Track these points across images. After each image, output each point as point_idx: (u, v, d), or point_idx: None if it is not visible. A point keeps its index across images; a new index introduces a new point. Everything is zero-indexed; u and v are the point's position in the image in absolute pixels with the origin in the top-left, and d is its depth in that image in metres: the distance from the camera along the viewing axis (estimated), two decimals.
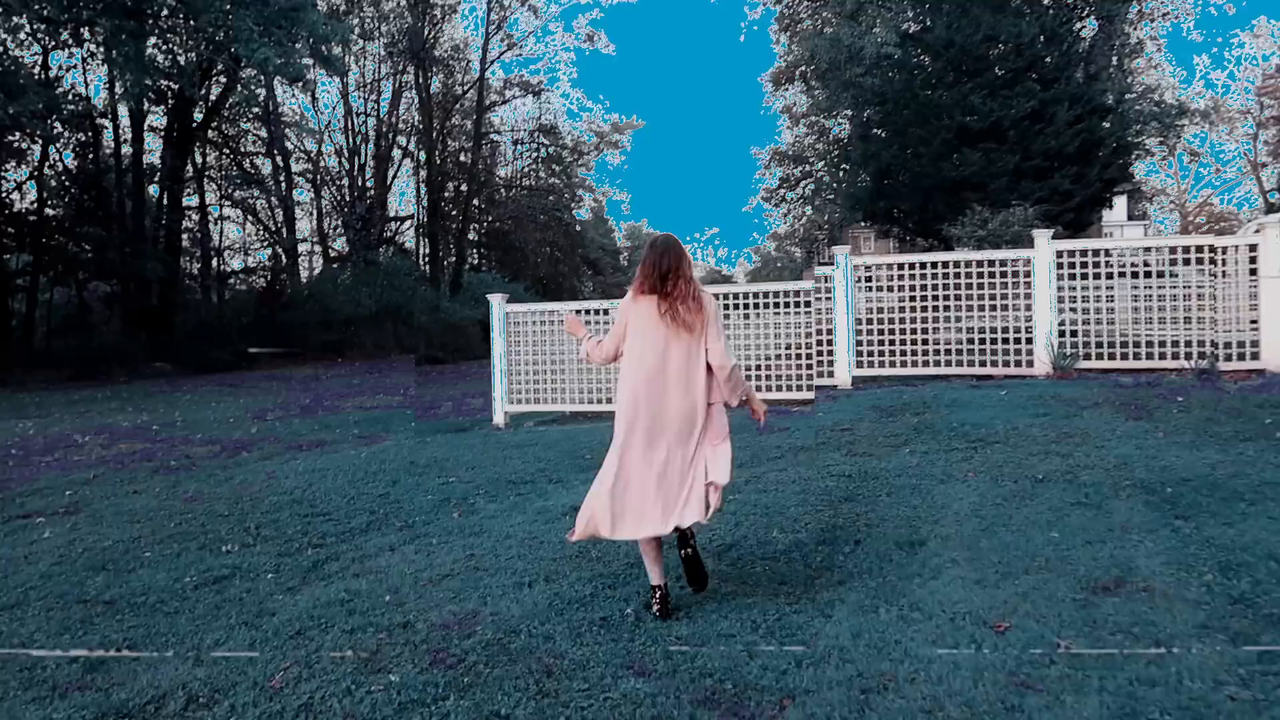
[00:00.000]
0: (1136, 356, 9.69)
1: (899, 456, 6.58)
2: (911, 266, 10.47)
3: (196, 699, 3.16)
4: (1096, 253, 9.93)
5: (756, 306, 10.88)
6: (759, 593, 4.03)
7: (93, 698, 3.22)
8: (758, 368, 10.67)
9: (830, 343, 10.61)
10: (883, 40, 22.75)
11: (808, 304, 10.65)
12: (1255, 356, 9.30)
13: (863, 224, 37.78)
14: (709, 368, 3.88)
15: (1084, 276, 9.83)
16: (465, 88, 39.12)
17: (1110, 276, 9.84)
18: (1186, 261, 9.70)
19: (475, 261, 43.44)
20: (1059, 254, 9.85)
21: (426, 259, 39.10)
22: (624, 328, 3.98)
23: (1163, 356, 9.61)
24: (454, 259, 39.57)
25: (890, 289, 10.55)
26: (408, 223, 40.94)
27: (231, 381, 19.93)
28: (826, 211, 42.56)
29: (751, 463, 6.91)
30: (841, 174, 30.88)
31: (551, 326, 11.54)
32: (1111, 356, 9.76)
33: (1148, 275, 9.88)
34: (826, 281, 10.75)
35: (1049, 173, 18.73)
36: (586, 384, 11.43)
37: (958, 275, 10.28)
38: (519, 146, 44.25)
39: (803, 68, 32.29)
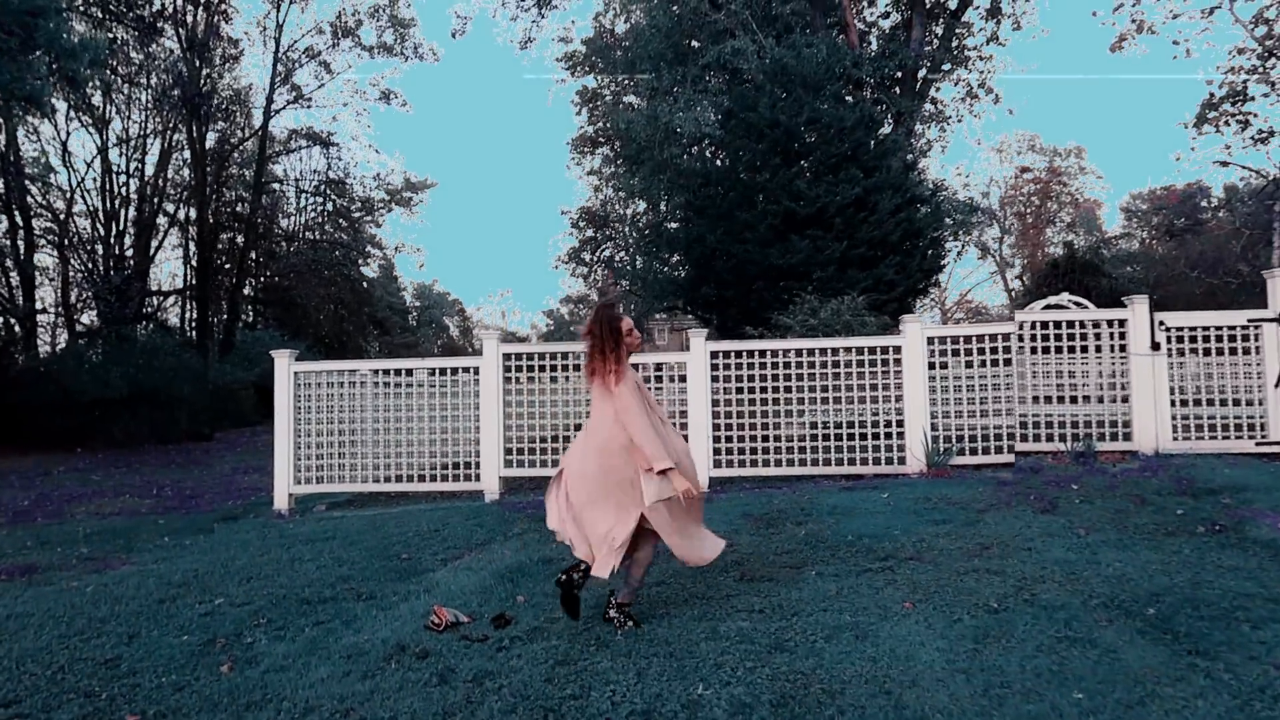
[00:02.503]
0: (1011, 449, 9.23)
1: (807, 582, 5.43)
2: (774, 354, 9.63)
3: None
4: (969, 339, 9.46)
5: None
6: None
7: None
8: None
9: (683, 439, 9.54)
10: (700, 119, 22.68)
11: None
12: (1127, 437, 9.07)
13: (660, 316, 37.38)
14: None
15: (957, 364, 9.36)
16: (245, 136, 36.26)
17: (984, 365, 9.39)
18: (1060, 338, 9.41)
19: (250, 319, 39.94)
20: (930, 340, 9.31)
21: (194, 321, 35.34)
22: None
23: (1037, 439, 9.21)
24: (225, 316, 35.95)
25: (746, 378, 9.62)
26: (172, 297, 37.01)
27: None
28: (630, 302, 42.29)
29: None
30: (639, 263, 30.40)
31: (351, 389, 10.12)
32: (986, 451, 9.25)
33: (1009, 360, 9.52)
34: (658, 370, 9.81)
35: (874, 262, 18.98)
36: (389, 458, 10.02)
37: (823, 365, 9.55)
38: (304, 197, 41.49)
39: (612, 144, 31.91)
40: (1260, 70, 29.15)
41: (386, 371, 10.29)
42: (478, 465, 9.77)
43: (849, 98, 23.06)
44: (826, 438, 9.47)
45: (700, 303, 22.58)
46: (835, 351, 9.52)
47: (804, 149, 19.83)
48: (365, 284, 45.14)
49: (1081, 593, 4.85)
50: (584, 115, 34.34)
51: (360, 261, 44.65)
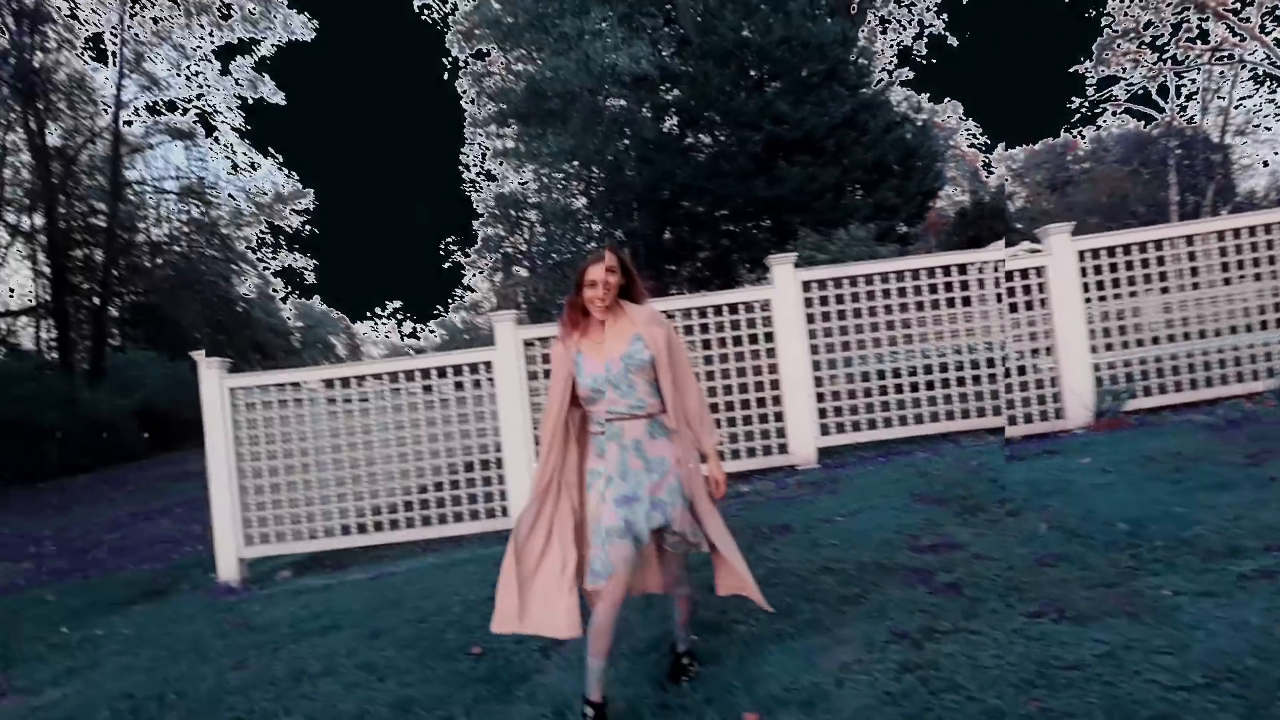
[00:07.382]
0: (1193, 385, 7.58)
1: (1184, 610, 3.57)
2: (885, 278, 7.74)
3: None
4: (1128, 248, 7.72)
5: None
6: None
7: None
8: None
9: (776, 400, 7.61)
10: (643, 56, 20.45)
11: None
12: None
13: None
14: None
15: (1115, 284, 7.63)
16: (95, 132, 32.37)
17: (1149, 281, 7.70)
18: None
19: (119, 342, 36.19)
20: (1081, 255, 7.55)
21: (52, 343, 31.62)
22: None
23: (1224, 380, 7.56)
24: (91, 341, 32.23)
25: (850, 315, 7.73)
26: (23, 317, 33.06)
27: None
28: (528, 287, 39.25)
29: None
30: (545, 231, 28.00)
31: (311, 407, 7.72)
32: (1161, 390, 7.59)
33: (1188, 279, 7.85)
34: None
35: (872, 186, 17.41)
36: (367, 497, 7.61)
37: (946, 288, 7.75)
38: (166, 201, 37.65)
39: (519, 111, 28.96)
40: (1154, 5, 29.94)
41: (359, 380, 7.87)
42: (503, 495, 7.48)
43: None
44: (930, 385, 7.72)
45: (658, 253, 20.34)
46: (963, 270, 7.68)
47: (779, 69, 17.98)
48: (241, 306, 41.41)
49: None
50: (471, 96, 31.28)
51: (234, 279, 40.99)
